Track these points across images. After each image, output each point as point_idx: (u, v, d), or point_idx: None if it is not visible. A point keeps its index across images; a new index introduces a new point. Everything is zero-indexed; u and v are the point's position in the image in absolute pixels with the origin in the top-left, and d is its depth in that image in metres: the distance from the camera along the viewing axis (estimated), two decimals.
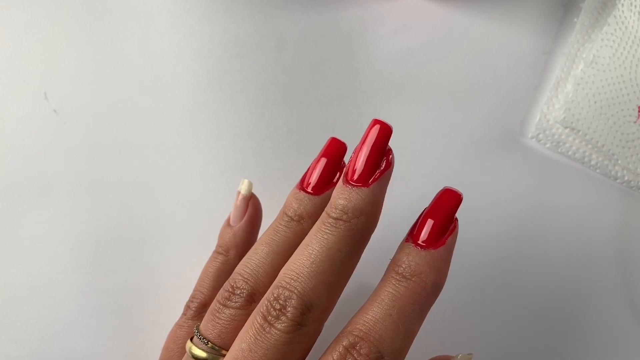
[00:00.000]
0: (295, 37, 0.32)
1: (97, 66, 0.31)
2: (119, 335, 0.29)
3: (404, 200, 0.30)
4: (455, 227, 0.20)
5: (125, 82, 0.31)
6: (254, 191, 0.26)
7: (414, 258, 0.19)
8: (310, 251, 0.19)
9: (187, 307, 0.24)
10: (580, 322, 0.30)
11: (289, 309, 0.18)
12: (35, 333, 0.28)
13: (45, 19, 0.31)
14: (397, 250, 0.20)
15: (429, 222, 0.20)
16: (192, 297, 0.24)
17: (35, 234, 0.29)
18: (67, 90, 0.31)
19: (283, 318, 0.18)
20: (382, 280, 0.20)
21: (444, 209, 0.20)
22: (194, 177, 0.30)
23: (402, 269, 0.19)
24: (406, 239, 0.20)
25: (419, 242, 0.19)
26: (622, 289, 0.30)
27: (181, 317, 0.24)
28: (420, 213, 0.20)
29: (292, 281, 0.19)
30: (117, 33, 0.31)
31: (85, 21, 0.31)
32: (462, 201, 0.20)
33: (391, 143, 0.28)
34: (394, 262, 0.20)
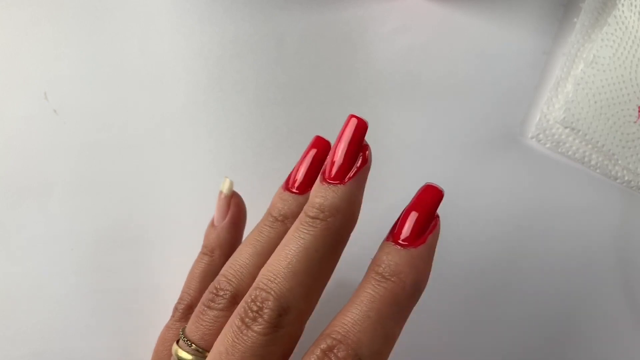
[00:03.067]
0: (295, 37, 0.32)
1: (97, 66, 0.31)
2: (119, 335, 0.29)
3: (404, 199, 0.30)
4: (436, 224, 0.19)
5: (125, 82, 0.31)
6: (253, 192, 0.26)
7: (393, 257, 0.19)
8: (287, 252, 0.19)
9: (175, 309, 0.24)
10: (580, 322, 0.30)
11: (266, 310, 0.18)
12: (35, 333, 0.28)
13: (45, 19, 0.31)
14: (378, 250, 0.20)
15: (409, 220, 0.19)
16: (180, 299, 0.24)
17: (35, 234, 0.29)
18: (67, 90, 0.31)
19: (260, 320, 0.18)
20: (362, 280, 0.19)
21: (425, 205, 0.19)
22: (194, 177, 0.30)
23: (381, 268, 0.19)
24: (387, 238, 0.20)
25: (400, 240, 0.19)
26: (622, 289, 0.30)
27: (170, 319, 0.24)
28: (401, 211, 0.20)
29: (269, 282, 0.18)
30: (117, 33, 0.31)
31: (85, 21, 0.31)
32: (444, 197, 0.19)
33: (391, 143, 0.28)
34: (374, 261, 0.19)
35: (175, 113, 0.31)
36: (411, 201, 0.20)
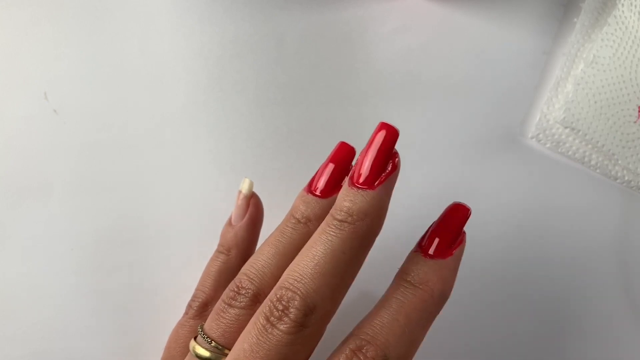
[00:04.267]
0: (295, 37, 0.32)
1: (97, 66, 0.31)
2: (119, 335, 0.29)
3: (403, 200, 0.30)
4: (463, 239, 0.21)
5: (125, 82, 0.31)
6: (253, 191, 0.26)
7: (422, 267, 0.20)
8: (315, 253, 0.19)
9: (189, 306, 0.24)
10: (580, 322, 0.30)
11: (292, 310, 0.18)
12: (35, 333, 0.28)
13: (45, 19, 0.31)
14: (405, 260, 0.21)
15: (438, 236, 0.20)
16: (194, 296, 0.24)
17: (35, 234, 0.29)
18: (67, 90, 0.31)
19: (285, 319, 0.18)
20: (390, 287, 0.20)
21: (453, 223, 0.21)
22: (194, 177, 0.30)
23: (410, 277, 0.20)
24: (415, 250, 0.21)
25: (428, 253, 0.20)
26: (622, 288, 0.30)
27: (183, 317, 0.24)
28: (429, 225, 0.21)
29: (296, 282, 0.19)
30: (117, 33, 0.31)
31: (85, 21, 0.31)
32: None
33: None
34: (403, 270, 0.20)
35: (175, 113, 0.31)
36: (440, 218, 0.21)
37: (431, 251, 0.20)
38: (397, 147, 0.31)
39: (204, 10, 0.31)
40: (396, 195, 0.30)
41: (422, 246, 0.21)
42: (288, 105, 0.31)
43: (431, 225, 0.21)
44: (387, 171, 0.20)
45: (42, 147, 0.30)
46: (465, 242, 0.21)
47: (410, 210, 0.30)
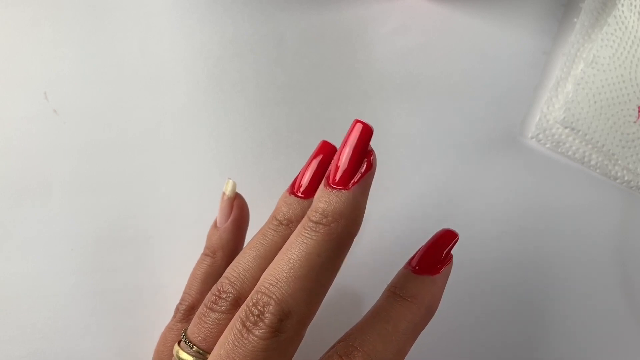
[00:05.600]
0: (295, 37, 0.32)
1: (97, 66, 0.31)
2: (119, 335, 0.29)
3: (403, 200, 0.30)
4: (450, 259, 0.22)
5: (125, 82, 0.31)
6: (254, 192, 0.26)
7: (412, 282, 0.21)
8: (290, 256, 0.19)
9: (177, 310, 0.24)
10: (579, 322, 0.30)
11: (267, 315, 0.18)
12: (35, 333, 0.28)
13: (45, 19, 0.31)
14: (395, 275, 0.22)
15: (428, 255, 0.21)
16: (181, 300, 0.24)
17: (35, 234, 0.29)
18: (67, 90, 0.31)
19: (261, 324, 0.18)
20: (379, 299, 0.21)
21: (442, 245, 0.22)
22: (194, 177, 0.30)
23: (400, 290, 0.20)
24: (405, 267, 0.22)
25: (418, 270, 0.21)
26: (622, 288, 0.30)
27: (171, 320, 0.24)
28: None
29: (271, 287, 0.18)
30: (117, 33, 0.31)
31: (85, 21, 0.31)
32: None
33: (391, 143, 0.28)
34: (393, 284, 0.21)
35: (175, 113, 0.31)
36: (430, 240, 0.22)
37: (421, 269, 0.21)
38: (397, 147, 0.31)
39: (204, 10, 0.31)
40: (396, 195, 0.30)
41: (412, 264, 0.21)
42: (288, 105, 0.31)
43: (422, 247, 0.22)
44: (363, 170, 0.20)
45: (42, 147, 0.30)
46: (452, 262, 0.22)
47: (409, 211, 0.30)
